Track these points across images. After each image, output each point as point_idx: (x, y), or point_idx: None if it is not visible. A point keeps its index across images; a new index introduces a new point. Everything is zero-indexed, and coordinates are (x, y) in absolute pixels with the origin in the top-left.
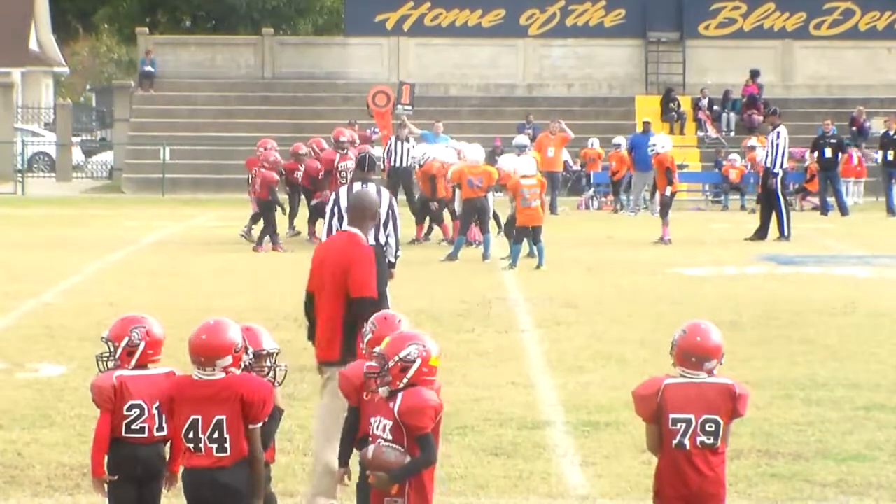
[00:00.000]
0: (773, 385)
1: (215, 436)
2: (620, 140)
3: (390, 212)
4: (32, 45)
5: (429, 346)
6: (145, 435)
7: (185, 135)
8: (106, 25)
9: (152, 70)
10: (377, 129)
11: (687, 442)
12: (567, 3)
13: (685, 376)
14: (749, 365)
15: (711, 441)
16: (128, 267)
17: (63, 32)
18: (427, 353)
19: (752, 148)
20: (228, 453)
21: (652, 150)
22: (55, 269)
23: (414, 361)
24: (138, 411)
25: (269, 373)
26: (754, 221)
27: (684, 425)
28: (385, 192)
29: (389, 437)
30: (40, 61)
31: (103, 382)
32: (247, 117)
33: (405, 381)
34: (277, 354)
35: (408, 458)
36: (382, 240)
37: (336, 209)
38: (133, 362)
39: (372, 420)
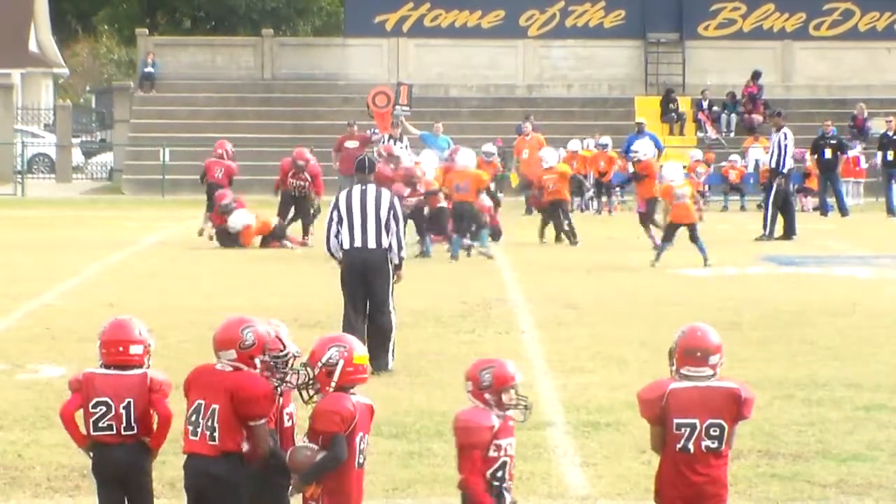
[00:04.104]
0: (774, 385)
1: (210, 423)
2: (607, 140)
3: (391, 213)
4: (32, 46)
5: (350, 346)
6: (113, 432)
7: (184, 136)
8: (106, 27)
9: (152, 71)
10: (377, 131)
11: (691, 446)
12: (567, 4)
13: (690, 377)
14: (749, 365)
15: (716, 445)
16: (128, 268)
17: (63, 34)
18: (349, 352)
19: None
20: (217, 443)
21: (634, 158)
22: (55, 270)
23: (337, 364)
24: (104, 408)
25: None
26: (755, 222)
27: (688, 430)
28: (387, 194)
29: (306, 439)
30: (40, 62)
31: (74, 376)
32: (246, 118)
33: (333, 384)
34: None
35: (319, 458)
36: (385, 242)
37: (335, 213)
38: (99, 363)
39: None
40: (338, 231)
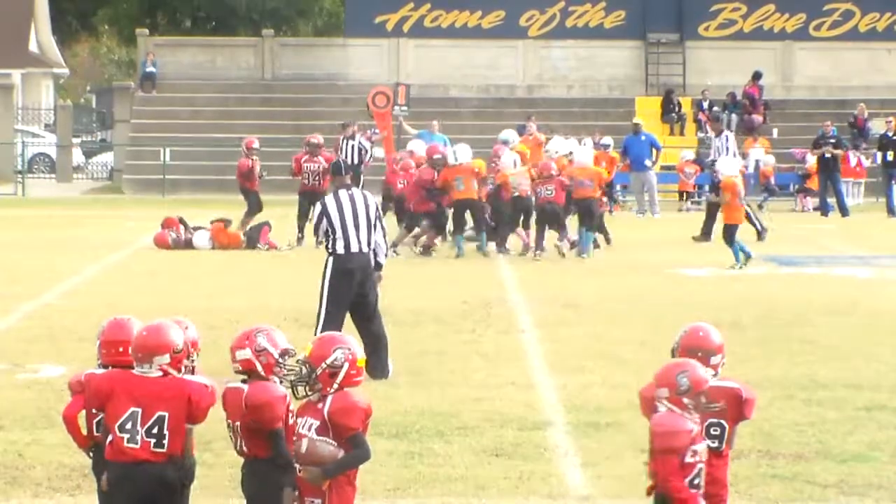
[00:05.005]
0: (774, 385)
1: (154, 431)
2: (609, 141)
3: (378, 213)
4: (32, 46)
5: (353, 348)
6: None
7: (185, 136)
8: (106, 26)
9: (153, 71)
10: (377, 130)
11: None
12: (567, 5)
13: None
14: (749, 365)
15: (716, 445)
16: (128, 268)
17: (63, 33)
18: (353, 355)
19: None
20: (165, 449)
21: (546, 154)
22: (56, 270)
23: (342, 366)
24: None
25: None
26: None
27: None
28: (370, 195)
29: (313, 433)
30: (40, 62)
31: (75, 377)
32: (247, 118)
33: (335, 385)
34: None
35: (341, 453)
36: (374, 245)
37: (325, 218)
38: (97, 363)
39: (298, 420)
40: (328, 234)
